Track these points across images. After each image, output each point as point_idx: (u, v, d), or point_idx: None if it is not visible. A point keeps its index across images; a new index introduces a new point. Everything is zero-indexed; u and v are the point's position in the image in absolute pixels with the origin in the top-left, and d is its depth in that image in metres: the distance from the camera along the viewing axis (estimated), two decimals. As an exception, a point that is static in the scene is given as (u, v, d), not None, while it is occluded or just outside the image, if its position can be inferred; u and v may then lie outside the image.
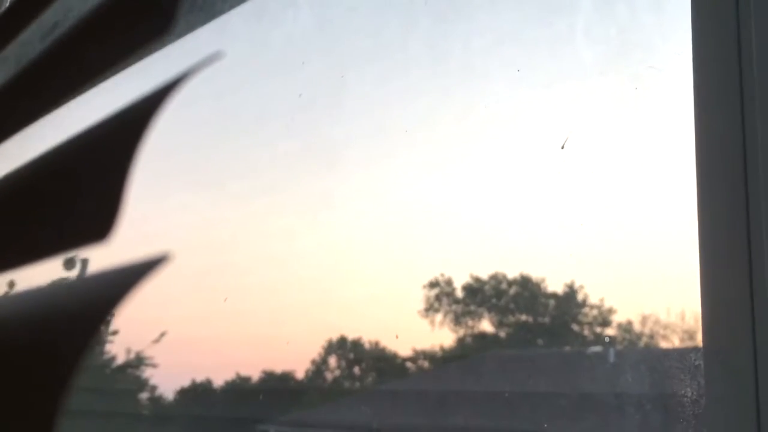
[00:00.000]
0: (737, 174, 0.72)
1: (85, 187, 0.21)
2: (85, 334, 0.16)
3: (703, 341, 0.68)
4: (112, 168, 0.20)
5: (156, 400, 10.00)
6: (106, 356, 9.28)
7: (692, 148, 0.80)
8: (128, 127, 0.18)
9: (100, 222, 0.20)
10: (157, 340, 9.38)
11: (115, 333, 9.91)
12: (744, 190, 0.71)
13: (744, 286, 0.65)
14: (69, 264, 7.80)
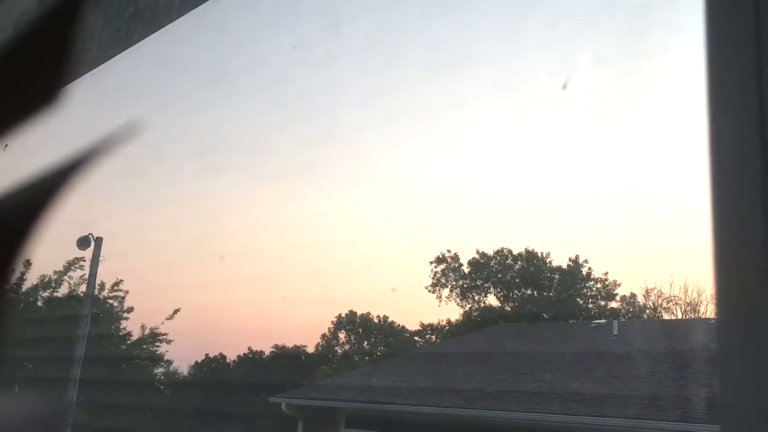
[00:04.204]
0: (753, 123, 0.66)
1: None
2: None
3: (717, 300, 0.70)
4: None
5: (171, 375, 10.12)
6: (122, 332, 9.34)
7: (705, 89, 0.68)
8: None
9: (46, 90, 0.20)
10: (170, 317, 9.39)
11: (130, 310, 9.88)
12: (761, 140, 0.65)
13: (762, 252, 0.64)
14: (83, 243, 7.82)
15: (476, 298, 14.78)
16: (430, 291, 14.68)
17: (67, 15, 0.20)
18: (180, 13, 1.31)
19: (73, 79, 0.20)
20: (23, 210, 0.18)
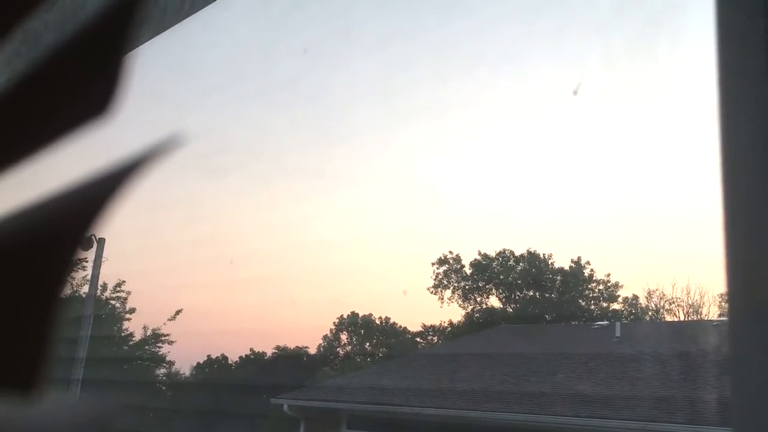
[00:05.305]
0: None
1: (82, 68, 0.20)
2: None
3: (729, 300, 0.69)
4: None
5: (173, 376, 10.14)
6: (124, 333, 9.36)
7: (716, 88, 0.67)
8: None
9: (98, 100, 0.20)
10: (172, 318, 9.40)
11: (132, 311, 9.90)
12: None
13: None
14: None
15: (478, 299, 14.77)
16: (432, 292, 14.68)
17: (121, 18, 0.20)
18: (189, 13, 1.31)
19: (120, 90, 0.20)
20: (69, 218, 0.18)
